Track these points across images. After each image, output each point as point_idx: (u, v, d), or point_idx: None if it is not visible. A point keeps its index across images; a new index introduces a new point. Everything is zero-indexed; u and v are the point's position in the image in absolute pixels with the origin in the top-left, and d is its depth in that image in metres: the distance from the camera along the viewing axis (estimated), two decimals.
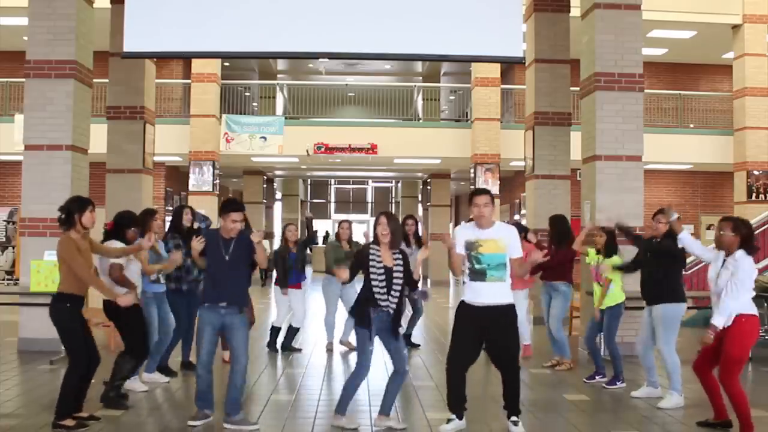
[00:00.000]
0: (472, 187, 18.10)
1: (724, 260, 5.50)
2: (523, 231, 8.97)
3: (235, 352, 5.64)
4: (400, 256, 5.53)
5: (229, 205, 5.67)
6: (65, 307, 5.53)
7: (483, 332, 5.39)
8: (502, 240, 5.39)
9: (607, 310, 7.25)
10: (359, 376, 5.52)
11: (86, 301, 9.14)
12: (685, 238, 6.03)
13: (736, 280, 5.33)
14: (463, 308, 5.48)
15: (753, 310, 5.41)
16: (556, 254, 8.02)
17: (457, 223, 31.93)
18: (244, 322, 5.65)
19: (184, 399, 6.59)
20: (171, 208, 20.12)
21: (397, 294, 5.45)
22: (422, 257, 5.95)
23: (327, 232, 32.08)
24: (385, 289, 5.40)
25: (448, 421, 5.46)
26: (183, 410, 6.17)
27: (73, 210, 5.56)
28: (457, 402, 5.51)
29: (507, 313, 5.40)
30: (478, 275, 5.37)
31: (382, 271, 5.43)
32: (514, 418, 5.42)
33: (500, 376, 5.49)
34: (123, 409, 6.04)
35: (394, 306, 5.44)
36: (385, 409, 5.59)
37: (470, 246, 5.40)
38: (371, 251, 5.50)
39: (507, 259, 5.40)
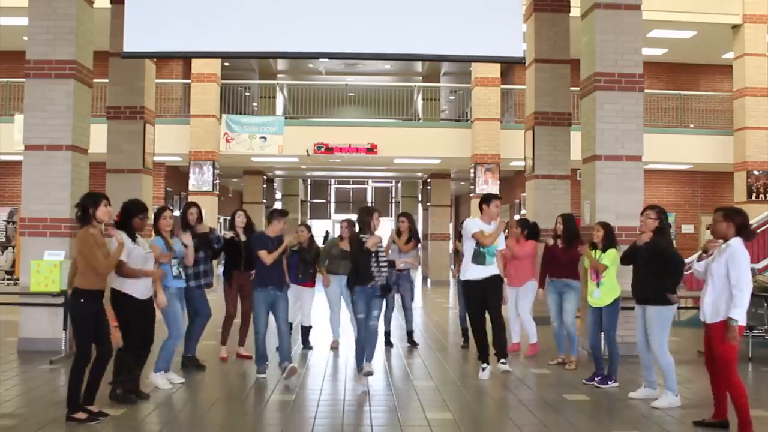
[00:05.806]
0: (472, 186, 18.12)
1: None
2: (526, 228, 8.99)
3: (279, 319, 7.39)
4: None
5: (275, 214, 7.90)
6: (79, 303, 5.67)
7: (484, 295, 7.43)
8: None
9: (605, 309, 7.23)
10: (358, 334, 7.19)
11: None
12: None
13: (738, 269, 5.39)
14: (470, 283, 7.56)
15: None
16: (567, 252, 8.05)
17: (456, 223, 31.93)
18: (285, 298, 7.50)
19: (193, 395, 6.60)
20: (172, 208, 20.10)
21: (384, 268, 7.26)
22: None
23: (327, 232, 32.06)
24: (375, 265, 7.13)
25: (483, 369, 7.23)
26: (191, 406, 6.17)
27: (87, 205, 5.73)
28: (485, 352, 7.38)
29: (496, 280, 7.53)
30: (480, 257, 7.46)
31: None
32: (503, 360, 7.53)
33: (491, 330, 7.47)
34: (131, 403, 6.11)
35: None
36: (368, 357, 7.13)
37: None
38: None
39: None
